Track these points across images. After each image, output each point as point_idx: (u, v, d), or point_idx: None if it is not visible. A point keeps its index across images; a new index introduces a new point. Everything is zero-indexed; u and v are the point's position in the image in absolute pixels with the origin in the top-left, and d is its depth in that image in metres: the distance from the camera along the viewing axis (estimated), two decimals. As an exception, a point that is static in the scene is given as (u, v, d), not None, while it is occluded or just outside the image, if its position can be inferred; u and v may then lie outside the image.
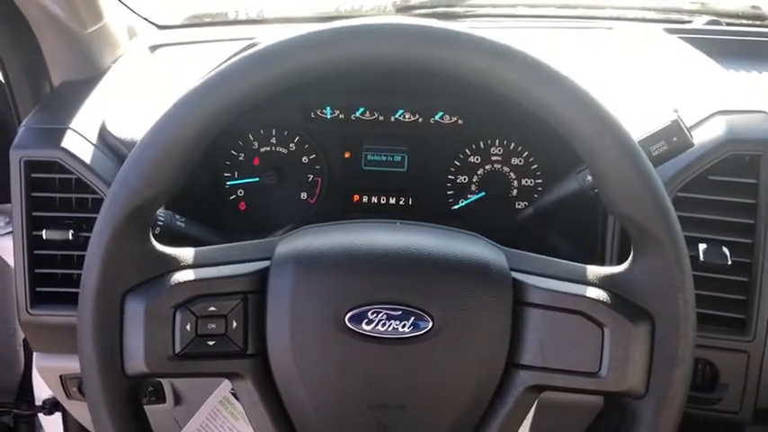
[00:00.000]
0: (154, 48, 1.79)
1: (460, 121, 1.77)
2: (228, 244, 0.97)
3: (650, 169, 0.85)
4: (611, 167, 0.85)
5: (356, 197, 1.79)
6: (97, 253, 0.87)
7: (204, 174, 1.68)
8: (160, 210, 1.27)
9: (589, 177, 1.29)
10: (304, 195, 1.80)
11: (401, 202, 1.83)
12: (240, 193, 1.81)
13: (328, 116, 1.73)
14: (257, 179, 1.75)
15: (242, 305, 0.90)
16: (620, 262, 1.03)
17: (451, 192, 1.79)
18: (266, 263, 0.92)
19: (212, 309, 0.89)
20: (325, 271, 0.91)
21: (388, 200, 1.83)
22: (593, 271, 0.93)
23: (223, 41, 1.81)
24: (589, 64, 1.64)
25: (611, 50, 1.74)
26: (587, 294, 0.90)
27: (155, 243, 0.92)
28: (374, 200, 1.80)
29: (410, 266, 0.91)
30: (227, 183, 1.79)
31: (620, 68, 1.63)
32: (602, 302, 0.89)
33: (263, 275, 0.91)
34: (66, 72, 1.54)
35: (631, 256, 0.92)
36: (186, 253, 0.93)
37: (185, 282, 0.90)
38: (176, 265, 0.92)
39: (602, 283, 0.92)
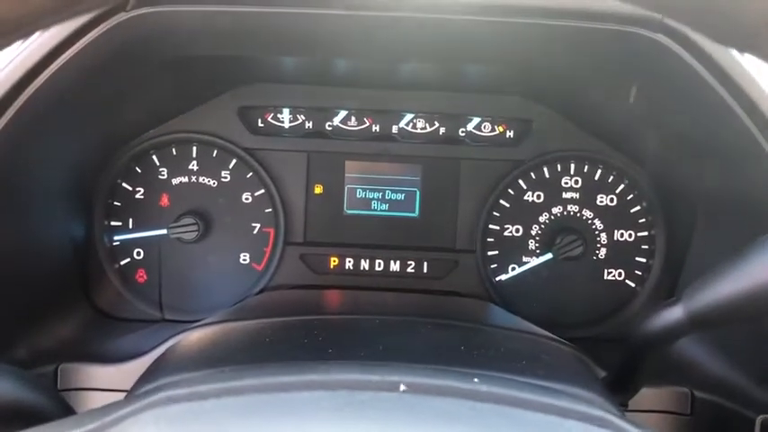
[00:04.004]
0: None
1: (510, 133, 1.23)
2: None
3: None
4: None
5: (333, 260, 1.24)
6: None
7: (68, 222, 1.15)
8: None
9: None
10: (245, 258, 1.23)
11: (409, 269, 1.25)
12: (137, 254, 1.23)
13: (286, 125, 1.22)
14: (164, 231, 1.18)
15: None
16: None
17: (494, 252, 1.24)
18: None
19: None
20: None
21: (387, 266, 1.24)
22: None
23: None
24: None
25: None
26: None
27: None
28: (364, 265, 1.24)
29: None
30: (115, 238, 1.21)
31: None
32: None
33: None
34: None
35: None
36: None
37: None
38: None
39: None
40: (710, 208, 1.05)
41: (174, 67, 1.00)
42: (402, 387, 0.54)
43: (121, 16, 0.80)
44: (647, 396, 0.98)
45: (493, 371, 0.72)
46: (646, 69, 0.89)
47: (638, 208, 1.19)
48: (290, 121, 1.20)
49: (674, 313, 0.81)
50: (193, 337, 0.87)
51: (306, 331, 0.88)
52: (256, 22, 0.83)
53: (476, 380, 0.55)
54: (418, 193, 1.21)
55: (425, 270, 1.22)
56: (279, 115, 1.20)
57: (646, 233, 1.19)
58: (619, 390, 0.88)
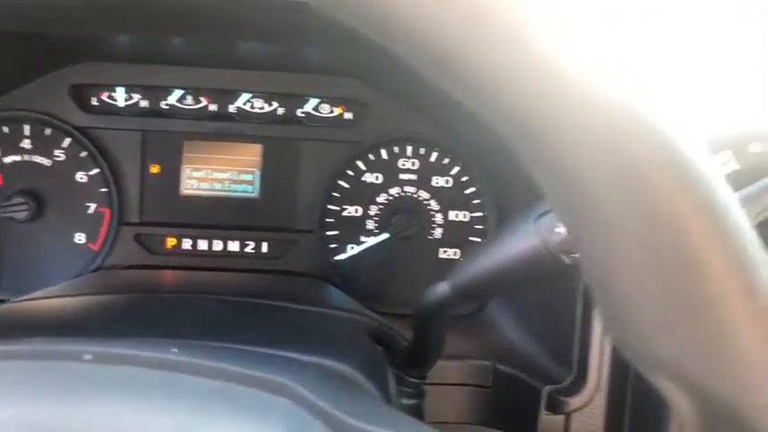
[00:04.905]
0: None
1: (348, 114, 1.23)
2: None
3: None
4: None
5: (170, 241, 1.22)
6: None
7: None
8: None
9: (562, 228, 0.67)
10: (81, 238, 1.21)
11: (248, 249, 1.24)
12: (-31, 234, 1.21)
13: (121, 103, 1.20)
14: None
15: None
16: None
17: (334, 232, 1.24)
18: None
19: None
20: None
21: (225, 246, 1.23)
22: None
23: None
24: None
25: None
26: None
27: None
28: (202, 246, 1.22)
29: None
30: (-57, 217, 1.19)
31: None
32: None
33: None
34: None
35: None
36: None
37: None
38: None
39: None
40: (526, 194, 1.08)
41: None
42: (87, 356, 0.55)
43: None
44: (453, 369, 1.01)
45: (262, 346, 0.73)
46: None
47: (471, 189, 1.22)
48: (125, 100, 1.18)
49: (441, 288, 0.85)
50: None
51: (110, 310, 0.88)
52: None
53: (174, 350, 0.56)
54: (258, 173, 1.21)
55: (265, 250, 1.21)
56: (113, 94, 1.18)
57: (479, 214, 1.22)
58: (415, 363, 0.91)
